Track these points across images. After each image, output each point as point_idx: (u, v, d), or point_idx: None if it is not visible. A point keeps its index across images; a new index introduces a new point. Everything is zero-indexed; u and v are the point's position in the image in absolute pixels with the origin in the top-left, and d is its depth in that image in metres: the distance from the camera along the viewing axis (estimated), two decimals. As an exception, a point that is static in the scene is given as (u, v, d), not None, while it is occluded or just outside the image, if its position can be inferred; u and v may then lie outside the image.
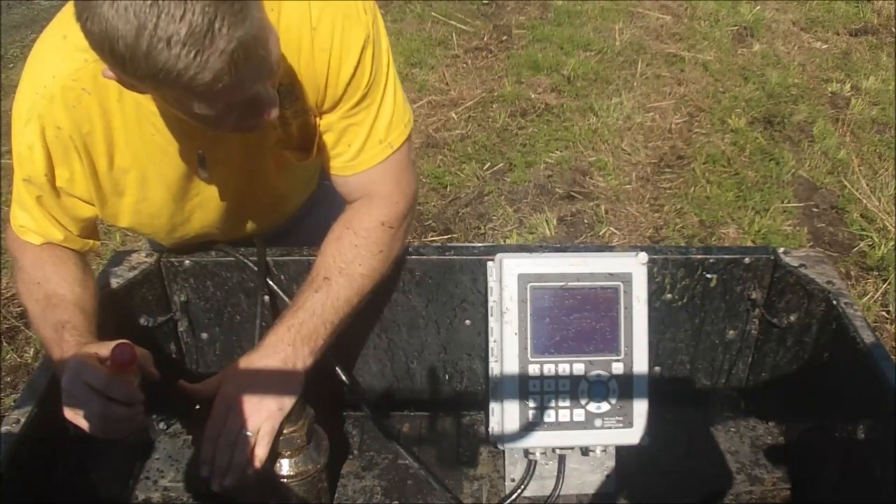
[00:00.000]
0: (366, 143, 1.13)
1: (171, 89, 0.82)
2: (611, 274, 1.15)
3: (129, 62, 0.77)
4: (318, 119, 1.12)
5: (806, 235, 3.14)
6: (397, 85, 1.13)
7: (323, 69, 1.05)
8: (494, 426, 1.19)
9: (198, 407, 1.13)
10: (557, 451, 1.20)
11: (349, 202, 1.20)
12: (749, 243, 3.02)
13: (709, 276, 1.29)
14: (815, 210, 3.31)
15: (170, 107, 0.93)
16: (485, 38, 5.00)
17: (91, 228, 1.17)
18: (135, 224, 1.18)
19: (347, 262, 1.13)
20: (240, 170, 1.17)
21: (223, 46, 0.78)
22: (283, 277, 1.29)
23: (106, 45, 0.77)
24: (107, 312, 1.14)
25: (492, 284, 1.19)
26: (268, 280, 1.28)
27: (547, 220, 3.20)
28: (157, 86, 0.81)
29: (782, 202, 3.31)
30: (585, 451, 1.20)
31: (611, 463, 1.24)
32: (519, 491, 1.21)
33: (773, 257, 1.29)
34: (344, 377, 1.26)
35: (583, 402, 1.15)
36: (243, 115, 0.92)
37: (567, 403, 1.15)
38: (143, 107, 1.02)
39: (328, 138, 1.14)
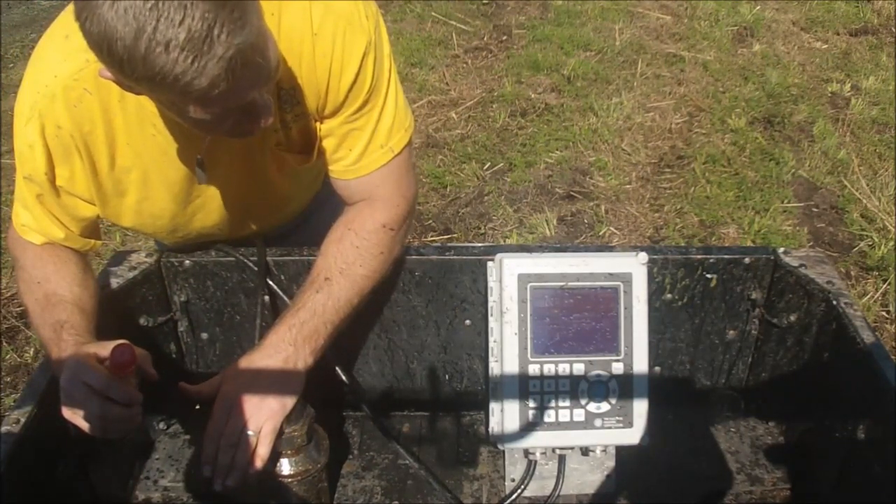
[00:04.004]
0: (367, 147, 1.13)
1: (167, 93, 0.82)
2: (611, 274, 1.15)
3: (126, 64, 0.78)
4: (318, 123, 1.12)
5: (806, 235, 3.14)
6: (398, 89, 1.13)
7: (324, 75, 1.05)
8: (494, 426, 1.19)
9: (198, 407, 1.13)
10: (557, 451, 1.20)
11: (349, 204, 1.20)
12: (749, 243, 3.02)
13: (709, 276, 1.29)
14: (815, 210, 3.31)
15: (166, 110, 0.93)
16: (485, 38, 5.00)
17: (92, 228, 1.17)
18: (137, 224, 1.18)
19: (348, 263, 1.13)
20: (241, 172, 1.17)
21: (221, 53, 0.78)
22: (283, 277, 1.29)
23: (104, 46, 0.78)
24: (107, 312, 1.14)
25: (492, 284, 1.19)
26: (268, 280, 1.28)
27: (547, 220, 3.20)
28: (154, 88, 0.82)
29: (782, 202, 3.32)
30: (585, 451, 1.20)
31: (611, 463, 1.24)
32: (519, 491, 1.21)
33: (773, 257, 1.29)
34: (344, 377, 1.26)
35: (583, 402, 1.15)
36: (239, 120, 0.93)
37: (567, 403, 1.15)
38: (144, 107, 1.02)
39: (329, 143, 1.14)
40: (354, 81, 1.06)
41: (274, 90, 1.03)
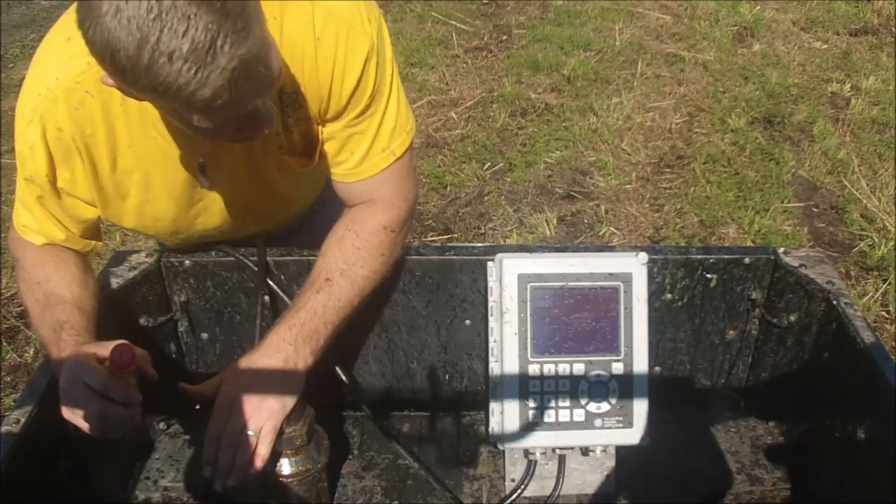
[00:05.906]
0: (369, 151, 1.13)
1: (170, 102, 0.82)
2: (611, 274, 1.16)
3: (129, 73, 0.78)
4: (320, 127, 1.13)
5: (806, 235, 3.14)
6: (401, 93, 1.13)
7: (326, 80, 1.05)
8: (494, 426, 1.19)
9: (198, 407, 1.13)
10: (557, 451, 1.20)
11: (350, 206, 1.20)
12: (749, 243, 3.02)
13: (709, 276, 1.29)
14: (815, 210, 3.31)
15: (169, 117, 0.93)
16: (485, 38, 5.00)
17: (93, 229, 1.17)
18: (138, 226, 1.18)
19: (349, 263, 1.13)
20: (243, 175, 1.17)
21: (224, 64, 0.78)
22: (283, 277, 1.29)
23: (107, 55, 0.77)
24: (107, 312, 1.14)
25: (492, 284, 1.19)
26: (268, 280, 1.28)
27: (547, 220, 3.20)
28: (157, 98, 0.82)
29: (782, 202, 3.32)
30: (585, 451, 1.20)
31: (611, 463, 1.24)
32: (519, 491, 1.21)
33: (773, 257, 1.29)
34: (344, 377, 1.26)
35: (583, 402, 1.16)
36: (240, 127, 0.93)
37: (567, 403, 1.15)
38: (146, 111, 1.02)
39: (331, 146, 1.14)
40: (357, 86, 1.06)
41: (276, 94, 1.03)
